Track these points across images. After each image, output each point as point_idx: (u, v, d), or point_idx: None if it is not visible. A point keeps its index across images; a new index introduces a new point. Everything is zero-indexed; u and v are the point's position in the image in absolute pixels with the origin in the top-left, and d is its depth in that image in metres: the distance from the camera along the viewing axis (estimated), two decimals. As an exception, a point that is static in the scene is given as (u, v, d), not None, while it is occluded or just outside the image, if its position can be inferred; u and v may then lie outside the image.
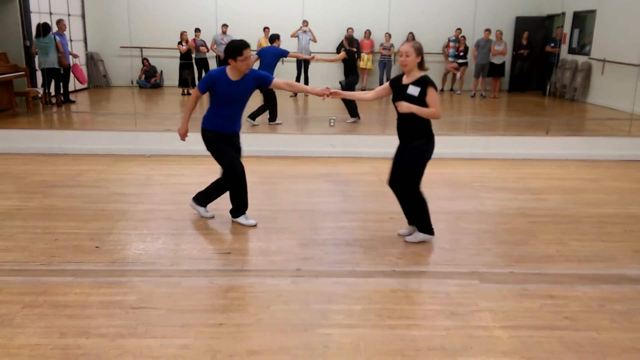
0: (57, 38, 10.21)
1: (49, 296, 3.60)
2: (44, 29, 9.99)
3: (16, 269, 3.97)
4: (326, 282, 3.91)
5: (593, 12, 11.82)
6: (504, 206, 5.52)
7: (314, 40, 12.26)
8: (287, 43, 12.38)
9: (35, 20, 10.62)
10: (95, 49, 13.98)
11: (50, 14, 11.44)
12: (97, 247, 4.39)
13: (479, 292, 3.76)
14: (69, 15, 12.58)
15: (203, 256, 4.30)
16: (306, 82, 12.49)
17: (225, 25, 12.63)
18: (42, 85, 10.38)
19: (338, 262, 4.23)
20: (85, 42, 13.74)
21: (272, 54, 8.69)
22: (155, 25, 13.33)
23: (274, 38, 9.05)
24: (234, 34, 11.70)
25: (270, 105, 8.71)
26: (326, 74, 13.57)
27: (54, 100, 10.60)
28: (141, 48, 13.75)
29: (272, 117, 8.77)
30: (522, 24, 13.42)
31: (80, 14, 13.58)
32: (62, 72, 10.44)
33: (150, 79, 13.99)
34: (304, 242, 4.58)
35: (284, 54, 8.78)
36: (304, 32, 12.18)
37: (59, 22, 10.71)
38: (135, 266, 4.09)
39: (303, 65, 12.79)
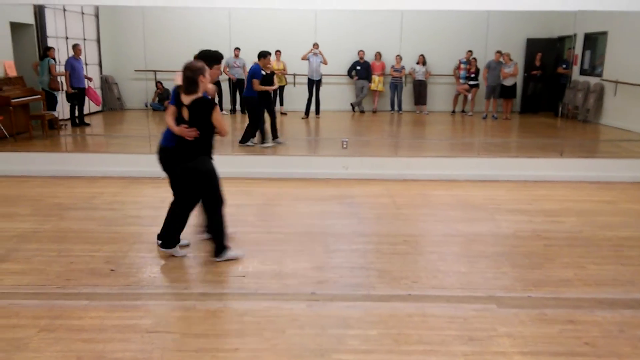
0: (51, 61, 10.43)
1: (64, 320, 3.60)
2: (43, 52, 10.31)
3: (32, 292, 3.98)
4: (341, 306, 3.88)
5: (604, 33, 11.84)
6: (519, 229, 5.48)
7: (325, 63, 12.36)
8: (298, 65, 12.54)
9: (52, 45, 10.82)
10: (110, 72, 14.19)
11: (67, 38, 11.65)
12: (112, 270, 4.39)
13: (497, 316, 3.71)
14: (84, 39, 12.80)
15: (217, 279, 4.30)
16: (317, 105, 12.54)
17: (237, 49, 12.78)
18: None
19: (353, 285, 4.20)
20: (100, 66, 13.94)
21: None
22: (169, 49, 13.49)
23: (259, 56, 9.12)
24: (247, 57, 11.84)
25: (253, 126, 8.83)
26: (338, 96, 13.67)
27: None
28: (154, 71, 13.93)
29: (262, 139, 8.89)
30: (534, 45, 13.45)
31: (96, 38, 13.81)
32: (68, 95, 10.67)
33: (163, 101, 14.15)
34: (318, 265, 4.56)
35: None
36: (315, 54, 12.28)
37: (75, 47, 10.91)
38: (150, 289, 4.09)
39: (315, 87, 12.86)
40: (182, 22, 13.75)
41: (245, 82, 9.19)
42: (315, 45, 12.27)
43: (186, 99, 4.28)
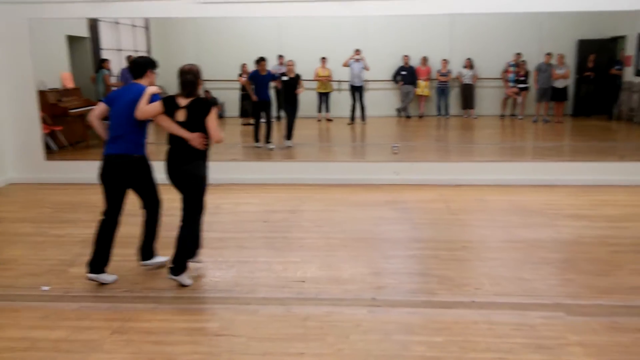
0: (105, 72, 10.81)
1: (134, 322, 3.70)
2: (99, 64, 10.72)
3: (101, 296, 4.11)
4: (403, 312, 3.85)
5: (662, 33, 11.42)
6: (582, 234, 5.32)
7: (367, 68, 12.33)
8: (340, 71, 12.57)
9: (105, 57, 11.23)
10: (161, 82, 14.54)
11: (119, 50, 12.04)
12: (175, 274, 4.49)
13: (566, 324, 3.61)
14: (135, 51, 13.19)
15: (278, 284, 4.33)
16: (362, 110, 12.54)
17: (281, 57, 12.92)
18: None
19: (413, 291, 4.17)
20: (151, 76, 14.33)
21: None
22: (217, 59, 13.77)
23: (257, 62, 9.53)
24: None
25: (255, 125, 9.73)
26: (384, 101, 13.63)
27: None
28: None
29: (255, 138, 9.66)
30: (585, 46, 13.09)
31: (146, 49, 14.21)
32: None
33: (210, 110, 14.44)
34: (376, 271, 4.54)
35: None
36: (357, 60, 12.28)
37: (129, 58, 11.26)
38: (214, 294, 4.16)
39: (358, 93, 12.83)
40: (227, 32, 14.00)
41: (263, 87, 9.67)
42: (357, 52, 12.27)
43: (183, 101, 4.16)
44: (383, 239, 5.34)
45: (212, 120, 4.17)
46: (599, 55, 12.87)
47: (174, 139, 4.25)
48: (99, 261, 4.29)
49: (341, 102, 13.10)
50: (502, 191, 6.96)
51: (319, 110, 12.89)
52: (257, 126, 9.82)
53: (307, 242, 5.23)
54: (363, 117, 12.43)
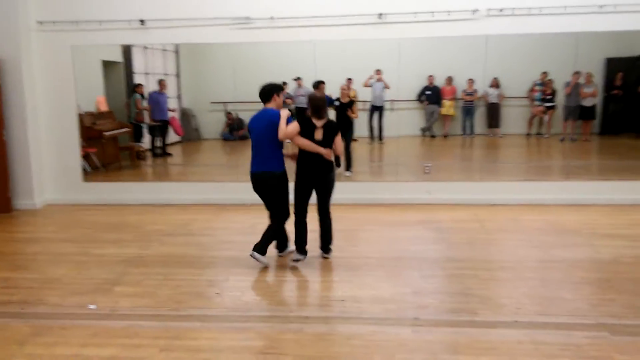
0: (137, 96, 11.08)
1: (182, 340, 3.77)
2: (131, 89, 11.01)
3: (147, 314, 4.19)
4: (447, 331, 3.86)
5: (692, 50, 11.33)
6: (621, 254, 5.28)
7: (387, 87, 12.39)
8: (361, 92, 12.65)
9: (137, 80, 11.51)
10: (188, 104, 14.85)
11: (150, 74, 12.33)
12: (217, 293, 4.57)
13: (612, 344, 3.59)
14: (166, 74, 13.49)
15: (319, 303, 4.38)
16: (380, 130, 12.57)
17: (299, 79, 13.06)
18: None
19: (455, 311, 4.18)
20: (180, 99, 14.63)
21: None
22: (247, 81, 13.98)
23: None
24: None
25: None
26: (409, 121, 13.66)
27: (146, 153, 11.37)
28: (224, 103, 14.47)
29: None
30: (614, 64, 13.03)
31: (175, 73, 14.53)
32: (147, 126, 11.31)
33: (233, 131, 14.66)
34: (416, 290, 4.57)
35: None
36: (378, 80, 12.35)
37: (160, 82, 11.55)
38: (256, 312, 4.22)
39: (378, 113, 12.82)
40: (255, 55, 14.21)
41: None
42: (378, 72, 12.36)
43: (319, 122, 4.94)
44: (420, 258, 5.35)
45: (339, 138, 5.02)
46: (627, 74, 12.79)
47: (310, 155, 4.96)
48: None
49: (362, 122, 13.17)
50: (535, 210, 6.94)
51: (346, 131, 12.96)
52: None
53: (344, 261, 5.27)
54: (381, 137, 12.47)
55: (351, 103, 9.41)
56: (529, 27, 7.24)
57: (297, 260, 5.18)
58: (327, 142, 4.97)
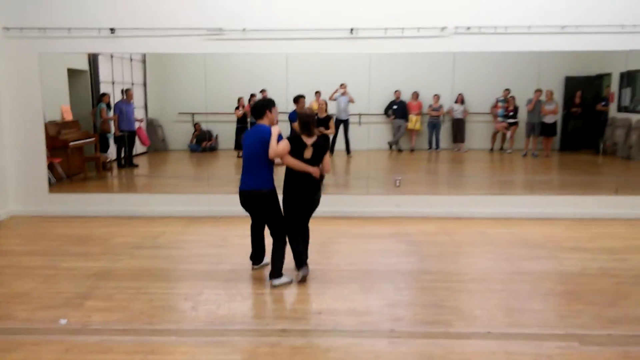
0: (102, 106, 10.93)
1: (156, 355, 3.72)
2: (98, 98, 10.90)
3: (121, 329, 4.12)
4: (422, 343, 3.93)
5: (646, 70, 11.87)
6: (585, 266, 5.47)
7: (352, 101, 12.53)
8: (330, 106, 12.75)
9: (103, 90, 11.33)
10: (155, 115, 14.67)
11: (117, 83, 12.16)
12: (192, 307, 4.52)
13: (582, 354, 3.72)
14: (132, 84, 13.32)
15: (295, 316, 4.39)
16: (347, 146, 12.68)
17: (264, 91, 13.09)
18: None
19: (430, 323, 4.25)
20: (146, 109, 14.45)
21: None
22: (213, 92, 13.93)
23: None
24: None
25: None
26: (376, 135, 13.83)
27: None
28: (191, 114, 14.36)
29: None
30: (572, 83, 13.53)
31: (142, 82, 14.35)
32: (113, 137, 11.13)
33: (201, 142, 14.54)
34: (391, 303, 4.62)
35: None
36: (343, 94, 12.49)
37: (127, 92, 11.39)
38: (232, 326, 4.19)
39: (343, 126, 12.92)
40: (223, 65, 14.20)
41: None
42: (343, 85, 12.51)
43: (309, 140, 4.88)
44: (393, 271, 5.42)
45: (327, 157, 4.95)
46: (586, 92, 13.31)
47: (299, 175, 4.86)
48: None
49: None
50: (501, 224, 7.13)
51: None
52: None
53: (318, 273, 5.28)
54: (348, 150, 12.60)
55: (328, 118, 9.48)
56: (494, 45, 7.45)
57: (304, 277, 5.06)
58: (316, 160, 4.89)
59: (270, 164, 4.88)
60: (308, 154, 4.85)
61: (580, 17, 7.21)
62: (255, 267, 5.41)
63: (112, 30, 7.33)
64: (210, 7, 7.36)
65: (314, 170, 4.86)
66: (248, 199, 4.94)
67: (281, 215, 4.98)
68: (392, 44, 7.37)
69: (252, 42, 7.37)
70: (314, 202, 5.02)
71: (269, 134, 4.79)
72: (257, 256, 5.39)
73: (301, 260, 5.05)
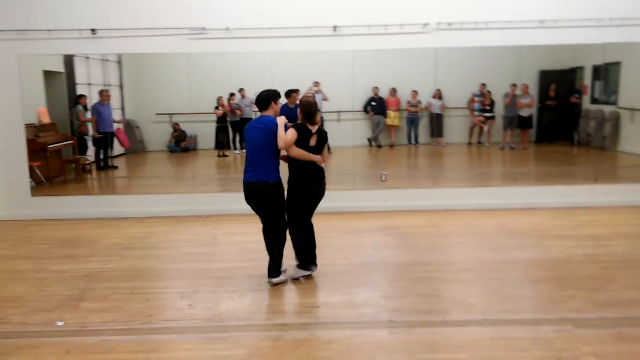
0: (79, 107, 10.77)
1: (159, 353, 3.71)
2: (74, 100, 10.75)
3: (120, 329, 4.09)
4: (422, 332, 3.99)
5: (617, 64, 12.20)
6: (572, 253, 5.61)
7: (326, 99, 12.58)
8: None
9: (80, 91, 11.16)
10: (132, 116, 14.49)
11: (93, 84, 11.98)
12: (189, 305, 4.51)
13: (577, 337, 3.82)
14: (108, 85, 13.13)
15: (295, 310, 4.42)
16: None
17: (242, 90, 13.08)
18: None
19: (427, 312, 4.31)
20: (123, 110, 14.26)
21: None
22: (191, 92, 13.83)
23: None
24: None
25: None
26: (355, 131, 13.91)
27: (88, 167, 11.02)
28: (170, 114, 14.24)
29: None
30: (547, 77, 13.82)
31: (119, 83, 14.17)
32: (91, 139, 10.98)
33: (180, 143, 14.43)
34: (387, 294, 4.68)
35: None
36: (316, 92, 12.51)
37: (102, 93, 11.23)
38: (233, 322, 4.20)
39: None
40: (200, 65, 14.09)
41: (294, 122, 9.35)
42: (316, 83, 12.55)
43: (313, 128, 4.86)
44: (386, 263, 5.49)
45: (326, 146, 5.01)
46: (560, 85, 13.61)
47: (304, 164, 4.85)
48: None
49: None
50: (487, 215, 7.25)
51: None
52: None
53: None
54: (328, 147, 12.63)
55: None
56: (475, 40, 7.57)
57: (309, 275, 5.05)
58: (319, 148, 4.89)
59: (277, 155, 4.81)
60: (313, 141, 4.83)
61: (558, 11, 7.36)
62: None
63: (93, 31, 7.23)
64: (193, 7, 7.32)
65: (318, 158, 4.87)
66: (254, 191, 4.75)
67: (284, 212, 4.91)
68: (376, 40, 7.43)
69: (236, 41, 7.35)
70: (321, 190, 5.01)
71: (276, 124, 4.72)
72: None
73: (302, 256, 5.01)
